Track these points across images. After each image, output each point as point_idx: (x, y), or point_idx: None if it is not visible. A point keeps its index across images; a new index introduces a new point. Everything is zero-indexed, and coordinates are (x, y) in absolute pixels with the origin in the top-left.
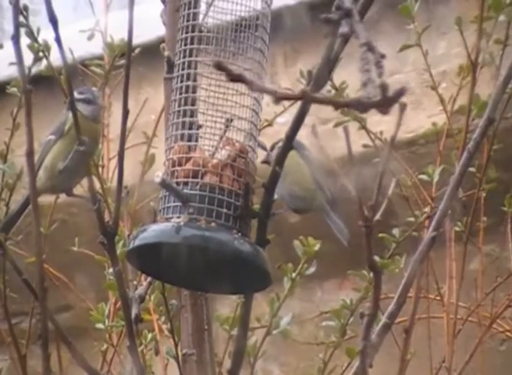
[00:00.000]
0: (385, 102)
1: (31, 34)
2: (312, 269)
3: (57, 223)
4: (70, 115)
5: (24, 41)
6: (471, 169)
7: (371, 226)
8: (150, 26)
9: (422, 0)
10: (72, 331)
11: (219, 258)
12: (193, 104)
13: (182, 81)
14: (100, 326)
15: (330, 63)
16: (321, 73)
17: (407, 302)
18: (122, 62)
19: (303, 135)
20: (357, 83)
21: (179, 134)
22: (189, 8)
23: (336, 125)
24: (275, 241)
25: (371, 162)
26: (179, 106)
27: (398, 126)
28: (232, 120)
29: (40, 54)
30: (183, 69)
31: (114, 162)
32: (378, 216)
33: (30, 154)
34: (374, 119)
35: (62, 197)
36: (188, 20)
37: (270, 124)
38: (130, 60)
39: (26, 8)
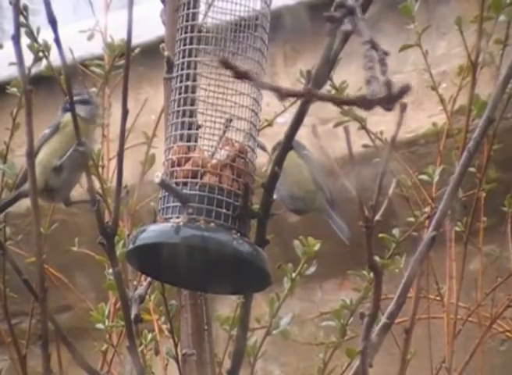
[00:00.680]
0: (390, 99)
1: (31, 34)
2: (312, 269)
3: (57, 223)
4: (65, 116)
5: (24, 40)
6: (471, 169)
7: (372, 226)
8: (150, 26)
9: (422, 0)
10: (72, 331)
11: (219, 258)
12: (192, 104)
13: (181, 81)
14: (100, 326)
15: (330, 63)
16: (321, 72)
17: (407, 302)
18: (122, 62)
19: (303, 135)
20: (357, 82)
21: (179, 134)
22: (188, 8)
23: (336, 125)
24: (275, 241)
25: (372, 162)
26: (179, 106)
27: (399, 126)
28: (231, 120)
29: (40, 54)
30: (182, 69)
31: (114, 162)
32: (378, 216)
33: (30, 154)
34: (374, 119)
35: None
36: (187, 20)
37: (270, 124)
38: (130, 60)
39: (26, 8)
